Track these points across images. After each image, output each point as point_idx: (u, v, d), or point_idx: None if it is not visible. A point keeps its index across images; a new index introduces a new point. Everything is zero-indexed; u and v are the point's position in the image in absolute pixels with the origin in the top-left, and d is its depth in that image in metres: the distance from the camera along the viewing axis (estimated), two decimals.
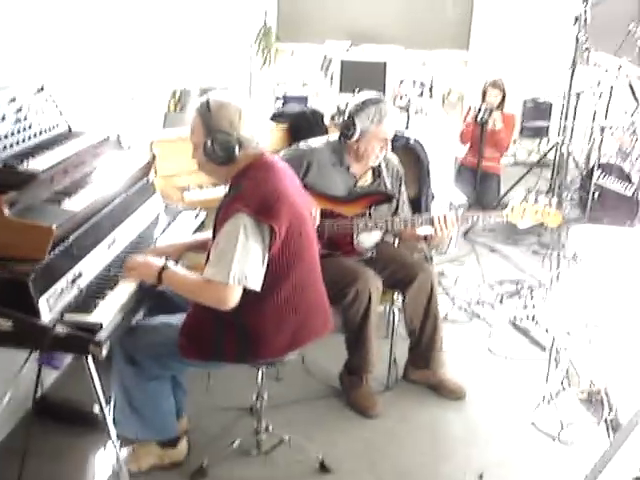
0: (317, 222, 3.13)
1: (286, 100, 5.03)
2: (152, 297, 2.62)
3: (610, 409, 3.19)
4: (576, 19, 5.32)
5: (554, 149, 5.95)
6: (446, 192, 4.71)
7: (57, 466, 2.82)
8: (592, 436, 3.14)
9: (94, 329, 2.18)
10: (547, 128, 6.69)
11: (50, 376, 3.25)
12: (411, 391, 3.53)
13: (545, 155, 6.31)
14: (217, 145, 2.41)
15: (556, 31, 6.24)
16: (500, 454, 3.08)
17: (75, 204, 2.44)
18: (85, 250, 2.45)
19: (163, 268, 2.48)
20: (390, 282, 3.36)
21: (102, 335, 2.17)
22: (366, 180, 3.46)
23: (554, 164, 5.86)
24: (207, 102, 2.45)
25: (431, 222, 3.24)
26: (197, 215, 3.26)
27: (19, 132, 2.52)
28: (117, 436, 2.55)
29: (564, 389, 3.46)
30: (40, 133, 2.66)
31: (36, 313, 2.12)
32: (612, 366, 3.27)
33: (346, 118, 3.30)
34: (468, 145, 6.10)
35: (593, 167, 5.45)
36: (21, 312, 2.12)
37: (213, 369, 3.19)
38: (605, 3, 5.49)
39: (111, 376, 2.69)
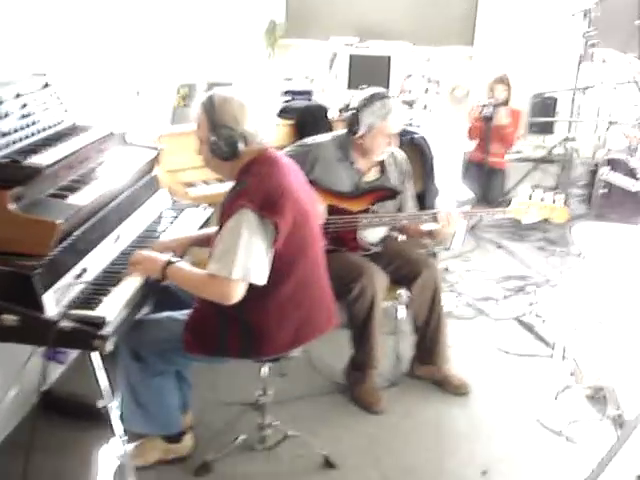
0: (322, 219, 3.14)
1: (292, 95, 5.03)
2: (157, 292, 2.62)
3: (615, 406, 3.19)
4: (584, 14, 5.31)
5: (560, 145, 5.93)
6: (452, 188, 4.70)
7: (62, 460, 2.83)
8: (597, 433, 3.14)
9: (99, 324, 2.18)
10: (554, 124, 6.67)
11: (56, 371, 3.26)
12: (416, 387, 3.53)
13: (551, 151, 6.30)
14: (221, 140, 2.41)
15: (562, 26, 6.20)
16: (505, 450, 3.08)
17: (80, 199, 2.44)
18: (90, 245, 2.46)
19: (168, 263, 2.48)
20: (395, 278, 3.36)
21: (107, 330, 2.17)
22: (372, 175, 3.46)
23: (561, 160, 5.85)
24: (211, 97, 2.45)
25: (435, 218, 3.25)
26: (205, 208, 3.26)
27: (24, 128, 2.52)
28: (122, 431, 2.56)
29: (569, 386, 3.46)
30: (45, 129, 2.66)
31: (41, 308, 2.13)
32: (618, 363, 3.26)
33: (352, 113, 3.30)
34: (476, 141, 6.09)
35: (599, 163, 5.43)
36: (26, 307, 2.12)
37: (217, 364, 3.19)
38: None
39: (117, 372, 2.70)
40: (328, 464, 2.92)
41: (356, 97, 3.35)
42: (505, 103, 5.93)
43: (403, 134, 3.99)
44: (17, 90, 2.58)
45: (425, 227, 3.35)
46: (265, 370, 2.83)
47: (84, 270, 2.37)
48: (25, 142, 2.48)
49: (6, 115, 2.44)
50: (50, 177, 2.42)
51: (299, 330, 2.58)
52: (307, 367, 3.59)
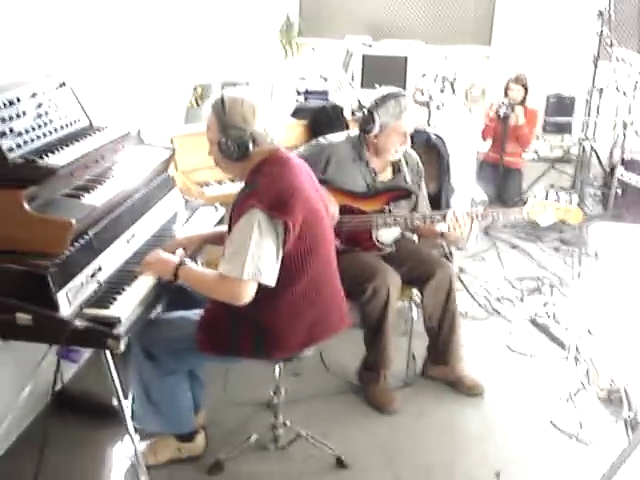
0: (336, 219, 3.14)
1: (307, 95, 5.03)
2: (170, 292, 2.63)
3: (629, 408, 3.17)
4: (600, 14, 5.27)
5: (577, 145, 5.90)
6: (467, 188, 4.69)
7: (75, 458, 2.85)
8: (611, 435, 3.12)
9: (113, 323, 2.19)
10: (570, 124, 6.64)
11: (69, 369, 3.27)
12: (429, 387, 3.53)
13: (568, 151, 6.26)
14: (231, 141, 2.41)
15: (579, 25, 6.18)
16: (518, 452, 3.07)
17: (95, 199, 2.45)
18: (104, 244, 2.47)
19: (179, 264, 2.49)
20: (408, 278, 3.35)
21: (120, 329, 2.19)
22: (386, 175, 3.45)
23: (577, 160, 5.81)
24: (221, 98, 2.46)
25: (445, 219, 3.23)
26: (217, 209, 3.26)
27: (40, 127, 2.53)
28: (135, 429, 2.58)
29: (583, 387, 3.44)
30: (61, 128, 2.67)
31: (55, 307, 2.14)
32: (632, 365, 3.24)
33: (366, 113, 3.29)
34: (490, 141, 6.08)
35: (616, 163, 5.40)
36: (40, 306, 2.14)
37: (230, 364, 3.20)
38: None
39: (130, 370, 2.71)
40: (340, 464, 2.92)
41: (370, 96, 3.34)
42: (521, 103, 5.91)
43: (419, 134, 3.98)
44: (33, 90, 2.59)
45: (438, 228, 3.34)
46: (278, 370, 2.83)
47: (98, 269, 2.39)
48: (41, 142, 2.48)
49: (22, 115, 2.45)
50: (65, 177, 2.44)
51: (311, 330, 2.58)
52: (320, 367, 3.58)
